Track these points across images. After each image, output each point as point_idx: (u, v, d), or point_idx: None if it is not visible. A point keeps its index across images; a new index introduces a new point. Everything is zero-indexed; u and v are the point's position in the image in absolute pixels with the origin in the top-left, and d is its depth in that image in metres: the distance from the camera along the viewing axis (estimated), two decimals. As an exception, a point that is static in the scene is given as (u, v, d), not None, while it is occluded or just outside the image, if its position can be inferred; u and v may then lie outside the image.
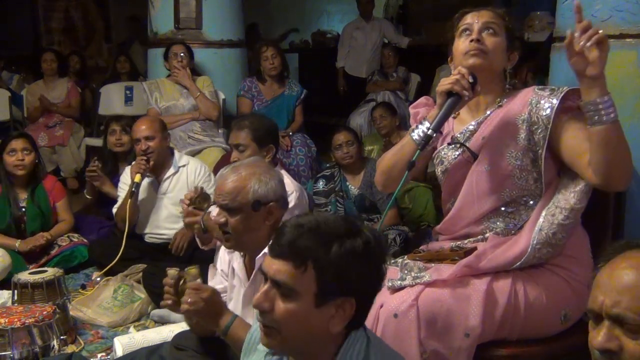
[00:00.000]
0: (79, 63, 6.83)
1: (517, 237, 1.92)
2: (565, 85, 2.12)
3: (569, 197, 1.88)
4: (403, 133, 4.63)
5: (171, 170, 3.56)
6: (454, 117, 2.06)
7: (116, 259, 3.34)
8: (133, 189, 3.39)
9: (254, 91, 4.69)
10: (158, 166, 3.54)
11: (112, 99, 5.74)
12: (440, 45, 6.44)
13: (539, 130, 1.88)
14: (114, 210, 3.60)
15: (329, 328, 1.28)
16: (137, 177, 3.38)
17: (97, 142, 5.37)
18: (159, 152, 3.49)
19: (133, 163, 3.48)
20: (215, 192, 2.06)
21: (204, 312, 1.86)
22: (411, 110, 2.17)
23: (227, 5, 5.03)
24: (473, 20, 1.95)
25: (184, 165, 3.57)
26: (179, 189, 3.52)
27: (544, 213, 1.89)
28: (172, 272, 1.99)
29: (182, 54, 4.57)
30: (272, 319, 1.29)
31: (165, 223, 3.56)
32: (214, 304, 1.87)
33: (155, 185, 3.56)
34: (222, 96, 4.82)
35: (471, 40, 1.91)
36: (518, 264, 1.87)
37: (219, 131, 4.61)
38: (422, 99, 2.19)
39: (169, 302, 1.98)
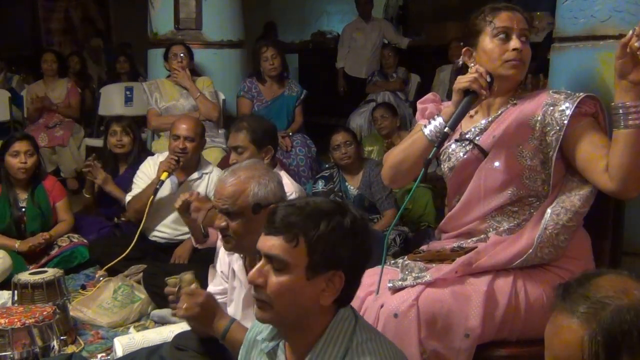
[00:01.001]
0: (79, 64, 6.83)
1: (518, 235, 1.92)
2: (564, 85, 2.12)
3: (574, 200, 1.88)
4: (403, 134, 4.63)
5: (195, 175, 3.53)
6: None
7: (126, 252, 3.34)
8: (157, 186, 3.38)
9: (254, 92, 4.69)
10: (185, 168, 3.51)
11: (112, 100, 5.74)
12: (440, 46, 6.47)
13: (552, 132, 1.87)
14: (128, 198, 3.58)
15: (320, 301, 1.35)
16: (164, 175, 3.37)
17: (97, 142, 5.37)
18: (192, 155, 3.47)
19: (162, 160, 3.46)
20: (214, 196, 2.05)
21: (200, 317, 1.88)
22: (419, 105, 2.15)
23: (227, 6, 5.03)
24: (512, 24, 1.91)
25: (207, 173, 3.55)
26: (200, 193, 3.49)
27: (549, 211, 1.89)
28: (172, 280, 2.00)
29: (182, 55, 4.56)
30: (265, 293, 1.35)
31: (173, 224, 3.55)
32: (210, 308, 1.89)
33: (175, 186, 3.54)
34: (222, 97, 4.82)
35: (514, 49, 1.89)
36: (519, 261, 1.87)
37: (219, 132, 4.61)
38: (430, 95, 2.18)
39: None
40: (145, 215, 3.37)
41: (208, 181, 3.51)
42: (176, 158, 3.39)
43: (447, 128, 1.83)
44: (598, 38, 2.26)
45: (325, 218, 1.33)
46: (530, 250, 1.86)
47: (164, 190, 3.50)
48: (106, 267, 3.46)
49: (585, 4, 2.29)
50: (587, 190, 1.88)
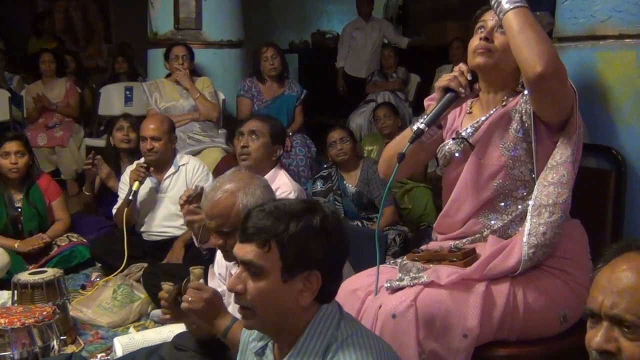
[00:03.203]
0: (73, 62, 6.81)
1: (512, 245, 1.89)
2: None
3: (550, 192, 1.85)
4: (403, 134, 4.62)
5: (171, 170, 3.57)
6: (469, 113, 2.06)
7: (118, 270, 3.31)
8: (130, 197, 3.38)
9: (254, 91, 4.70)
10: (160, 166, 3.54)
11: (112, 100, 5.75)
12: (440, 46, 6.47)
13: (526, 117, 1.89)
14: (114, 210, 3.61)
15: (299, 301, 1.37)
16: (136, 185, 3.37)
17: (97, 142, 5.36)
18: (162, 153, 3.49)
19: (132, 169, 3.47)
20: (206, 215, 2.02)
21: (204, 313, 1.87)
22: (425, 102, 2.15)
23: (226, 6, 5.04)
24: (488, 18, 1.94)
25: (183, 165, 3.58)
26: (178, 187, 3.52)
27: (528, 216, 1.87)
28: (167, 286, 2.00)
29: (183, 56, 4.57)
30: (246, 299, 1.39)
31: (164, 221, 3.57)
32: (214, 305, 1.88)
33: (157, 186, 3.56)
34: (222, 97, 4.83)
35: (480, 39, 1.92)
36: (516, 273, 1.86)
37: (219, 132, 4.62)
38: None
39: (167, 317, 2.01)
40: (124, 228, 3.34)
41: (185, 172, 3.54)
42: (145, 165, 3.41)
43: (423, 124, 1.85)
44: (598, 38, 2.26)
45: (294, 219, 1.35)
46: (523, 262, 1.84)
47: (147, 191, 3.54)
48: (104, 280, 3.43)
49: (585, 4, 2.30)
50: (556, 177, 1.85)
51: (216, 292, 1.94)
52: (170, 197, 3.56)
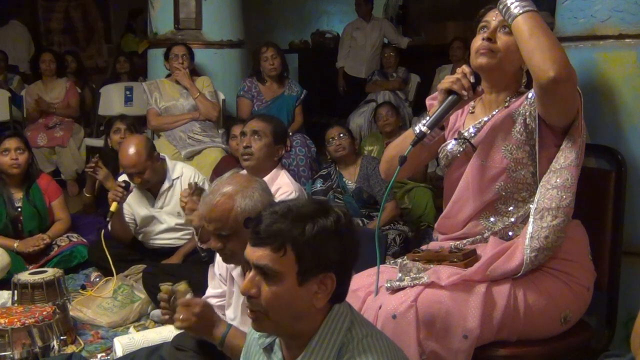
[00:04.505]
0: (74, 62, 6.81)
1: (514, 248, 1.89)
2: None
3: (553, 195, 1.85)
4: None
5: (166, 185, 3.47)
6: (471, 112, 2.06)
7: (110, 289, 3.24)
8: (108, 219, 3.29)
9: (254, 91, 4.70)
10: (155, 187, 3.47)
11: (112, 99, 5.75)
12: (440, 46, 6.47)
13: (530, 120, 1.88)
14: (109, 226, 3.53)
15: (314, 304, 1.36)
16: (114, 206, 3.24)
17: (97, 142, 5.37)
18: (152, 179, 3.40)
19: (111, 190, 3.36)
20: (205, 219, 2.01)
21: (198, 327, 1.89)
22: (427, 101, 2.15)
23: (227, 6, 5.04)
24: (491, 17, 1.93)
25: (178, 178, 3.49)
26: (175, 202, 3.43)
27: (531, 219, 1.86)
28: (164, 287, 2.00)
29: (183, 56, 4.57)
30: (259, 303, 1.36)
31: (164, 235, 3.53)
32: (207, 317, 1.90)
33: (152, 200, 3.50)
34: (222, 97, 4.83)
35: (483, 39, 1.91)
36: (518, 275, 1.86)
37: (219, 131, 4.62)
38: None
39: (167, 317, 2.01)
40: (105, 251, 3.23)
41: (180, 185, 3.43)
42: (123, 185, 3.28)
43: (425, 127, 1.84)
44: (598, 38, 2.26)
45: (309, 222, 1.33)
46: (525, 264, 1.83)
47: (144, 208, 3.48)
48: (105, 279, 3.38)
49: (585, 4, 2.29)
50: (563, 179, 1.84)
51: (206, 303, 1.95)
52: (167, 213, 3.50)
